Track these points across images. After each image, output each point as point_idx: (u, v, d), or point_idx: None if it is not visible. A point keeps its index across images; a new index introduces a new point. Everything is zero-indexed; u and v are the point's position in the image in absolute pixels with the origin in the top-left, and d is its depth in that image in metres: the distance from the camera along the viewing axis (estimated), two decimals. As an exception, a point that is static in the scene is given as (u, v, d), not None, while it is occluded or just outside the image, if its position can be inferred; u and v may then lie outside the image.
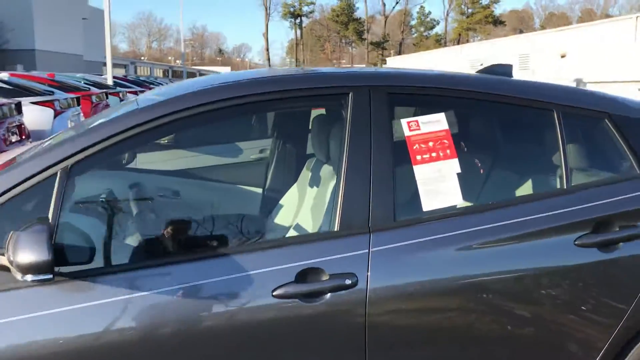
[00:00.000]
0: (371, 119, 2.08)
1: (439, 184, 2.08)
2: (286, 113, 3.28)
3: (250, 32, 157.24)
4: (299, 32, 75.18)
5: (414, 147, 2.10)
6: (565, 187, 2.20)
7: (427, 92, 2.22)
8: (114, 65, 23.68)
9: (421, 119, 2.14)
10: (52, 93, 10.15)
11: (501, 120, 2.59)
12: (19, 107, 8.32)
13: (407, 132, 2.12)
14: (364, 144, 2.06)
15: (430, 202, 2.06)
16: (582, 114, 2.30)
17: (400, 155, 2.08)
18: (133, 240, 2.20)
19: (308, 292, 1.89)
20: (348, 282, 1.90)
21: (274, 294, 1.87)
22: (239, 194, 3.32)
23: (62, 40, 42.05)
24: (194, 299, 1.83)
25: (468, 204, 2.17)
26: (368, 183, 2.02)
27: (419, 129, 2.12)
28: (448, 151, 2.11)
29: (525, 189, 2.39)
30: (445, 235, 2.02)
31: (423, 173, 2.08)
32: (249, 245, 2.00)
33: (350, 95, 2.11)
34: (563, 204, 2.13)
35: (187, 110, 1.99)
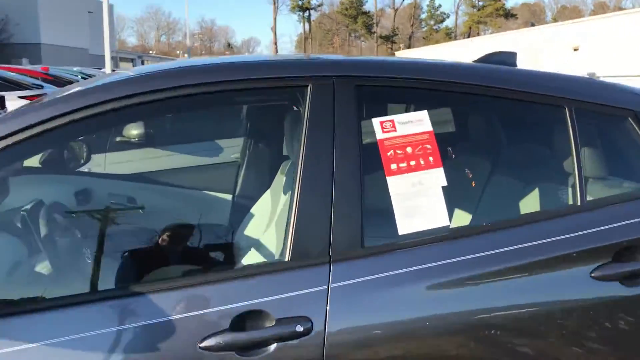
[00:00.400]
0: (334, 118, 1.66)
1: (419, 200, 1.65)
2: (259, 108, 2.84)
3: (259, 25, 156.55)
4: (307, 25, 74.59)
5: (388, 154, 1.67)
6: (578, 204, 1.77)
7: (406, 85, 1.78)
8: (121, 59, 23.51)
9: (398, 118, 1.71)
10: (41, 87, 9.85)
11: (499, 119, 2.16)
12: (2, 101, 8.04)
13: (380, 135, 1.69)
14: (325, 150, 1.63)
15: (408, 223, 1.64)
16: (600, 111, 1.88)
17: (372, 164, 1.66)
18: (42, 268, 1.78)
19: (247, 343, 1.48)
20: (299, 328, 1.49)
21: (201, 345, 1.45)
22: (199, 203, 2.88)
23: (68, 34, 42.18)
24: (96, 352, 1.42)
25: (456, 226, 1.75)
26: (329, 199, 1.60)
27: (394, 131, 1.70)
28: (431, 159, 1.69)
29: (528, 206, 1.96)
30: (426, 266, 1.60)
31: (399, 186, 1.65)
32: (171, 282, 1.57)
33: (308, 87, 1.69)
34: (576, 225, 1.71)
35: (104, 105, 1.58)
